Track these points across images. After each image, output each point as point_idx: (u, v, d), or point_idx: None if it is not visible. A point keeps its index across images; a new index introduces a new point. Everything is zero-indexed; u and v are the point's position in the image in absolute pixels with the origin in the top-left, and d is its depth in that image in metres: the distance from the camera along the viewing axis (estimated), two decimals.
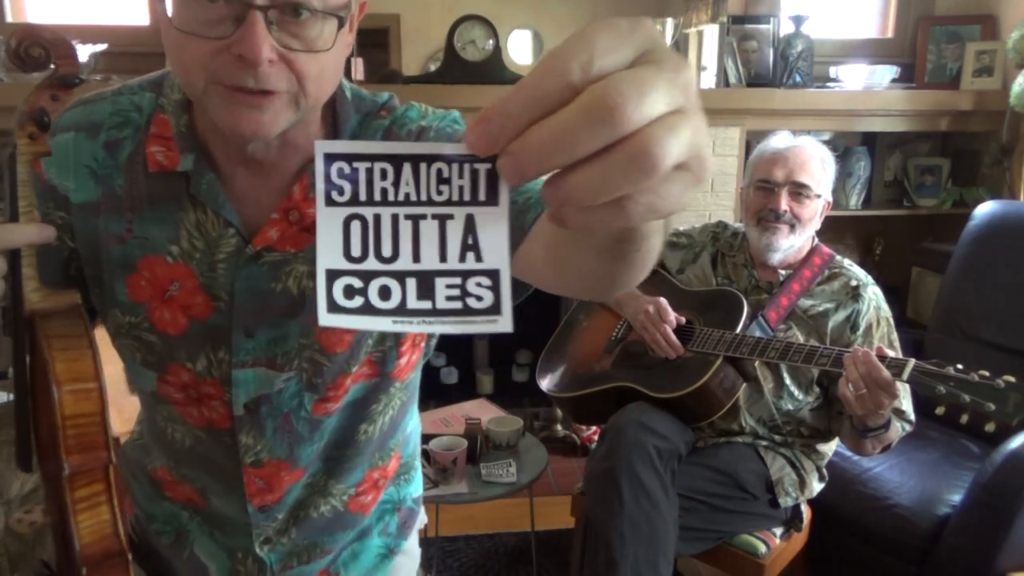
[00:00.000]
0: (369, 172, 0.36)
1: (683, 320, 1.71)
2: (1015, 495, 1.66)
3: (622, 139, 0.32)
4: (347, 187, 0.36)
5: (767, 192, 1.72)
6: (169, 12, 0.67)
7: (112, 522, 0.76)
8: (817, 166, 1.71)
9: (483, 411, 2.19)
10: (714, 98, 2.88)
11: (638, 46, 0.33)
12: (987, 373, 1.28)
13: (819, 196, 1.71)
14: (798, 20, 3.10)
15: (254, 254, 0.81)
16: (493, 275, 0.37)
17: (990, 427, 1.26)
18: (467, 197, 0.36)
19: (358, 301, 0.37)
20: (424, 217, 0.37)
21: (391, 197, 0.37)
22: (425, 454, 1.85)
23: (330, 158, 0.36)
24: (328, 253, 0.37)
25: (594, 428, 2.95)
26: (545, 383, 1.91)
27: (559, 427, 3.09)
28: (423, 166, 0.36)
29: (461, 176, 0.36)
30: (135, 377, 0.89)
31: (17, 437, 0.75)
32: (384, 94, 0.86)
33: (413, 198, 0.37)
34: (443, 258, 0.37)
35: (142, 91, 0.82)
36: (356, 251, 0.37)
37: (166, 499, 0.97)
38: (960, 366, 1.30)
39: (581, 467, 2.26)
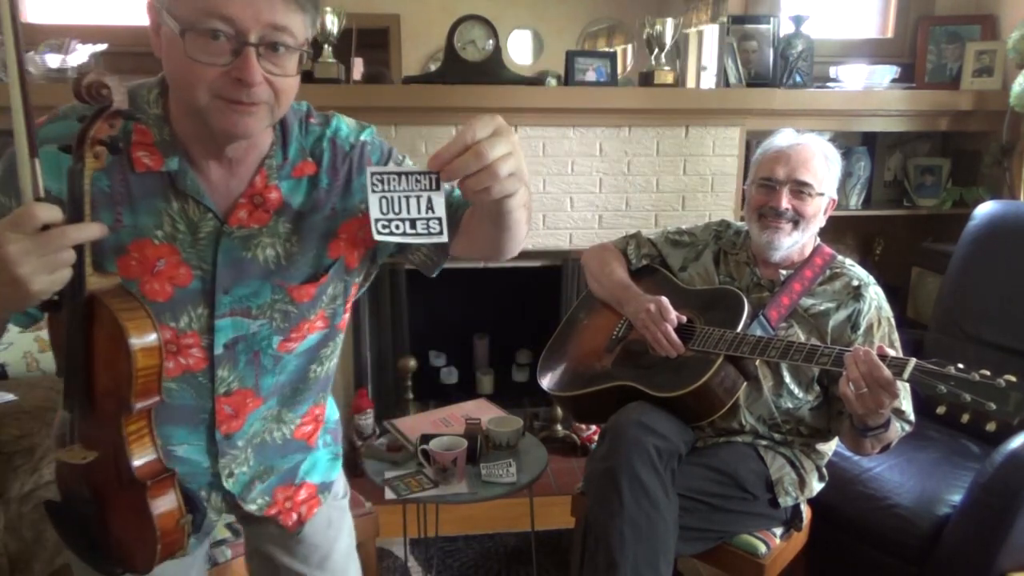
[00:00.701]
0: (388, 178, 0.86)
1: (684, 319, 1.71)
2: (1015, 495, 1.66)
3: (487, 164, 0.81)
4: (379, 184, 0.86)
5: (769, 190, 1.72)
6: (176, 42, 0.90)
7: (154, 448, 0.99)
8: (820, 164, 1.70)
9: (483, 411, 2.19)
10: (714, 98, 2.88)
11: (494, 127, 0.82)
12: (988, 372, 1.28)
13: (822, 194, 1.71)
14: (798, 20, 3.10)
15: (229, 231, 1.04)
16: (439, 219, 0.87)
17: (991, 426, 1.26)
18: (428, 187, 0.86)
19: (384, 229, 0.86)
20: (411, 197, 0.86)
21: (397, 187, 0.86)
22: (425, 454, 1.85)
23: (374, 173, 0.86)
24: (374, 210, 0.86)
25: (594, 428, 2.95)
26: (545, 382, 1.91)
27: (559, 427, 3.09)
28: (410, 176, 0.86)
29: (425, 178, 0.86)
30: None
31: (74, 390, 0.95)
32: (302, 103, 1.12)
33: (406, 188, 0.86)
34: (418, 212, 0.87)
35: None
36: (384, 210, 0.86)
37: None
38: (961, 365, 1.30)
39: (581, 467, 2.26)
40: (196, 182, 1.01)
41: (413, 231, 0.86)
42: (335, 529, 1.31)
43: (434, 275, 1.23)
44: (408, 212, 0.86)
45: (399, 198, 0.86)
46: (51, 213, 0.83)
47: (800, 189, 1.69)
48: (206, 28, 0.89)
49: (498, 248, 1.04)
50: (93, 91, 0.86)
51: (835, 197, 1.77)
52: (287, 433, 1.21)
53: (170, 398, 1.05)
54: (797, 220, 1.70)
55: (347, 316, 1.22)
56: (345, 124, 1.14)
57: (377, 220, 0.85)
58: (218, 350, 1.07)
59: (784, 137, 1.75)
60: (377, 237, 0.85)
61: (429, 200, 0.86)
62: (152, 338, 0.92)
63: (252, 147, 1.04)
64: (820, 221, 1.74)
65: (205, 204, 1.02)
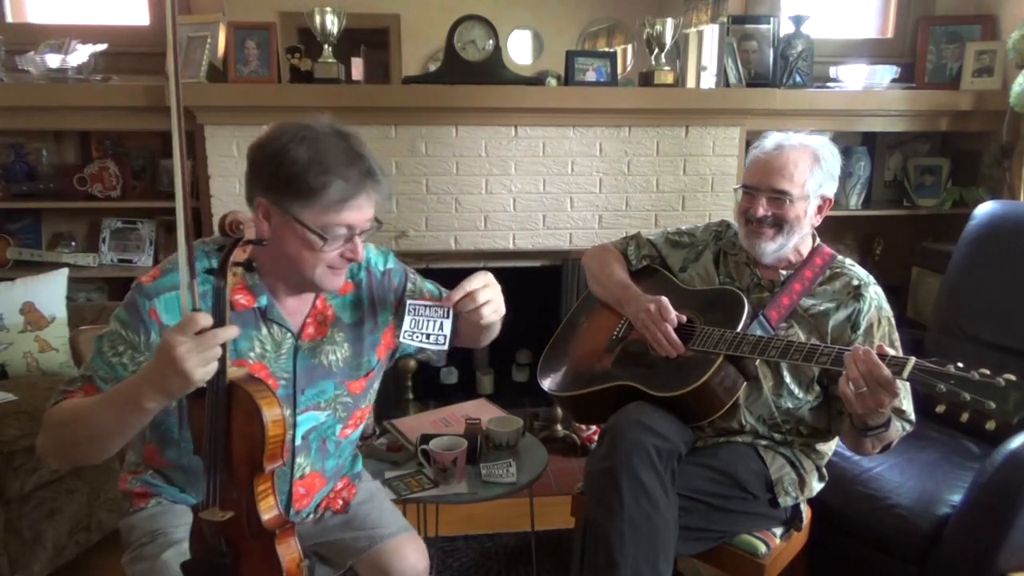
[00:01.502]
0: (419, 307, 1.33)
1: (684, 319, 1.71)
2: (1015, 495, 1.65)
3: (479, 304, 1.31)
4: (413, 311, 1.33)
5: (750, 196, 1.73)
6: (306, 237, 1.27)
7: (277, 504, 1.20)
8: (803, 168, 1.68)
9: (483, 411, 2.19)
10: (714, 98, 2.88)
11: (484, 282, 1.33)
12: (987, 371, 1.27)
13: (806, 198, 1.69)
14: (798, 20, 3.10)
15: (302, 345, 1.39)
16: (445, 336, 1.33)
17: (990, 425, 1.25)
18: (443, 316, 1.33)
19: (408, 337, 1.33)
20: (431, 320, 1.33)
21: (424, 313, 1.33)
22: (425, 454, 1.85)
23: (411, 304, 1.33)
24: (406, 325, 1.32)
25: (594, 428, 2.95)
26: (546, 382, 1.91)
27: (559, 427, 3.09)
28: (433, 307, 1.34)
29: (442, 310, 1.33)
30: None
31: (215, 460, 1.16)
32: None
33: (429, 314, 1.33)
34: (432, 329, 1.33)
35: (210, 257, 1.27)
36: (411, 327, 1.32)
37: None
38: (960, 364, 1.30)
39: (581, 467, 2.25)
40: (280, 313, 1.36)
41: (428, 341, 1.32)
42: (377, 498, 1.61)
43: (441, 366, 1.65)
44: (426, 328, 1.32)
45: (423, 320, 1.32)
46: (207, 319, 1.07)
47: (777, 196, 1.69)
48: (337, 233, 1.27)
49: (479, 342, 1.55)
50: (233, 227, 1.15)
51: (830, 196, 1.74)
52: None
53: None
54: (780, 224, 1.70)
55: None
56: (372, 253, 1.51)
57: (405, 331, 1.32)
58: (298, 441, 1.39)
59: (769, 141, 1.75)
60: (402, 341, 1.36)
61: (441, 324, 1.32)
62: (278, 412, 1.15)
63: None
64: (809, 223, 1.73)
65: (286, 327, 1.36)
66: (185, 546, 1.26)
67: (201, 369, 1.05)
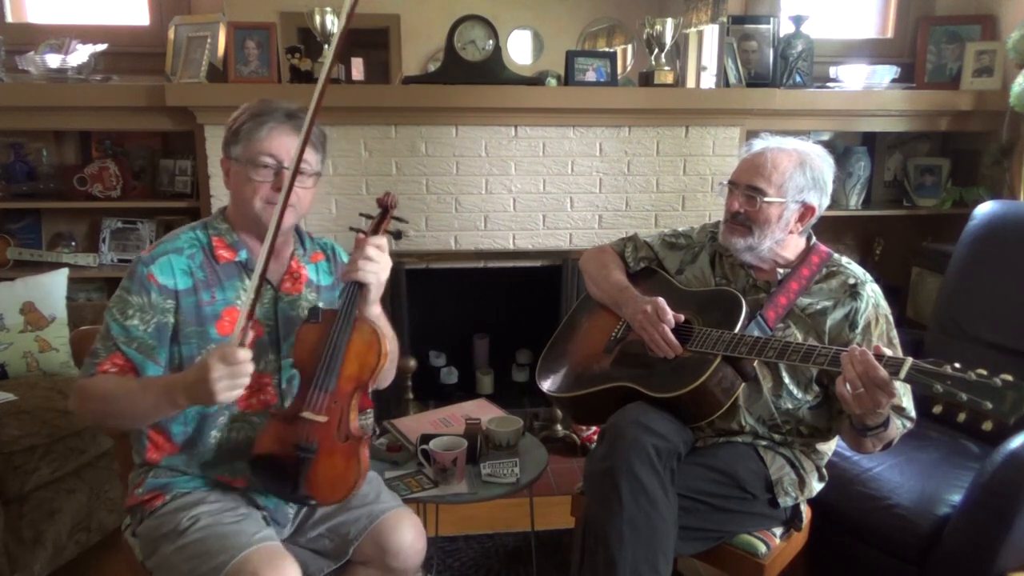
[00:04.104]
0: None
1: (682, 319, 1.71)
2: (1015, 495, 1.65)
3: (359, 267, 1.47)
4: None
5: (730, 193, 1.76)
6: (242, 171, 1.49)
7: (358, 417, 1.49)
8: (782, 170, 1.68)
9: (483, 411, 2.19)
10: (714, 98, 2.88)
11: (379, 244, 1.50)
12: (984, 372, 1.27)
13: (782, 201, 1.68)
14: (798, 20, 3.10)
15: (282, 296, 1.55)
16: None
17: (987, 426, 1.25)
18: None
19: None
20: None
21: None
22: (425, 454, 1.85)
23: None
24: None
25: (594, 428, 2.95)
26: (545, 383, 1.91)
27: (559, 427, 3.09)
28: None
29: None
30: None
31: (327, 374, 1.44)
32: None
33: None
34: None
35: (194, 231, 1.54)
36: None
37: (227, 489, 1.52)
38: (958, 364, 1.30)
39: (581, 467, 2.25)
40: (255, 264, 1.41)
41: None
42: (375, 482, 1.65)
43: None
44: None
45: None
46: (246, 356, 1.27)
47: (751, 194, 1.70)
48: (260, 161, 1.47)
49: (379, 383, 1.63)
50: (391, 203, 1.54)
51: (813, 205, 1.72)
52: None
53: (252, 431, 1.49)
54: (750, 225, 1.70)
55: None
56: (340, 248, 1.72)
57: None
58: (284, 384, 1.54)
59: (758, 143, 1.77)
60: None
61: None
62: (388, 348, 1.48)
63: (286, 243, 1.58)
64: (786, 228, 1.71)
65: (267, 278, 1.47)
66: (227, 518, 1.42)
67: (226, 393, 1.27)
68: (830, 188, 1.75)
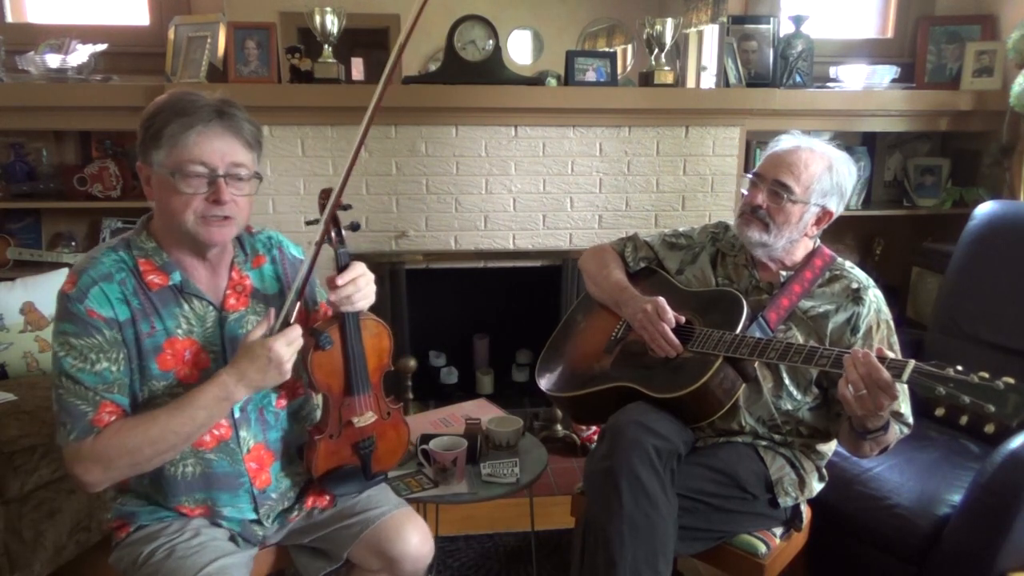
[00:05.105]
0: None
1: (682, 319, 1.71)
2: (1015, 495, 1.66)
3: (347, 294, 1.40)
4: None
5: (754, 185, 1.72)
6: (168, 183, 1.30)
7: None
8: (813, 171, 1.68)
9: (483, 411, 2.19)
10: (714, 98, 2.88)
11: (356, 274, 1.41)
12: (987, 375, 1.27)
13: (806, 202, 1.68)
14: (798, 20, 3.10)
15: (226, 315, 1.42)
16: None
17: (989, 428, 1.25)
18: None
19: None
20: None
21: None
22: (425, 454, 1.85)
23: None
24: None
25: (594, 428, 2.95)
26: (544, 383, 1.91)
27: (559, 427, 3.09)
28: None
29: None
30: None
31: (361, 378, 1.50)
32: None
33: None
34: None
35: (116, 251, 1.36)
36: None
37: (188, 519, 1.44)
38: (960, 367, 1.30)
39: (581, 467, 2.26)
40: (193, 285, 1.39)
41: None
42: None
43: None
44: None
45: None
46: (298, 332, 1.34)
47: (777, 190, 1.68)
48: (190, 170, 1.29)
49: None
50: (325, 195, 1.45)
51: (832, 210, 1.72)
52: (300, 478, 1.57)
53: (212, 468, 1.42)
54: (768, 222, 1.69)
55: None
56: (288, 242, 1.58)
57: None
58: (237, 413, 1.42)
59: (787, 140, 1.74)
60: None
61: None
62: (388, 329, 1.56)
63: (224, 252, 1.44)
64: (803, 230, 1.71)
65: (207, 299, 1.40)
66: (180, 552, 1.35)
67: (278, 372, 1.32)
68: (848, 195, 1.75)
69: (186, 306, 1.38)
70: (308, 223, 1.45)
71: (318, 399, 1.61)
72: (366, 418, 1.51)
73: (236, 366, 1.31)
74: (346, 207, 1.43)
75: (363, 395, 1.50)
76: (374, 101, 1.34)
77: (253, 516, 1.48)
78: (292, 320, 1.36)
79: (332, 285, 1.38)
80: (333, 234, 1.43)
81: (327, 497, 1.57)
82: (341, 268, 1.41)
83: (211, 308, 1.41)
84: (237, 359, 1.33)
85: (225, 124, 1.31)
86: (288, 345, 1.32)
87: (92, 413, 1.28)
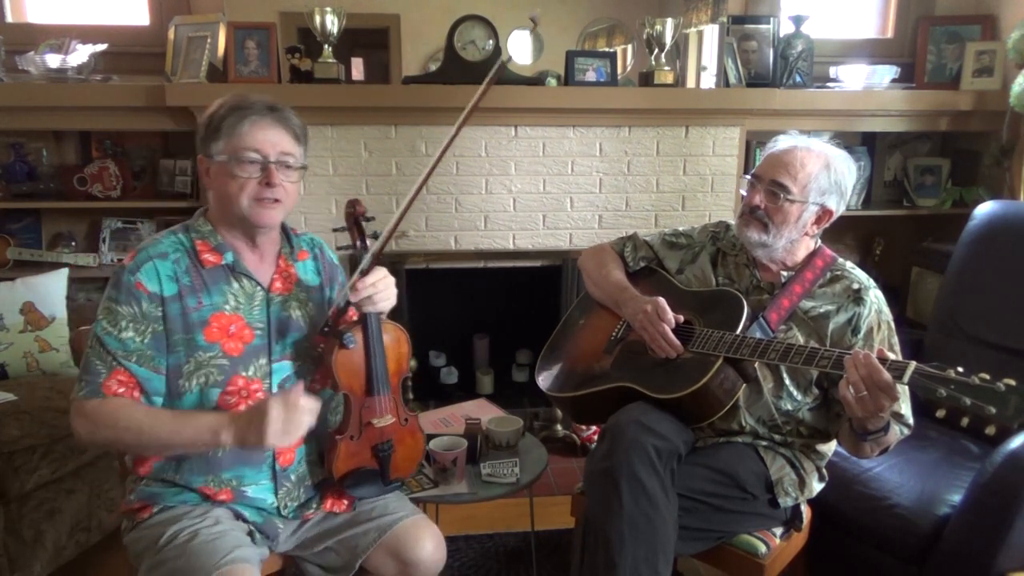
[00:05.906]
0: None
1: (682, 319, 1.71)
2: (1015, 495, 1.66)
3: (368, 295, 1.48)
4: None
5: (752, 187, 1.73)
6: (224, 169, 1.44)
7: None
8: (809, 170, 1.67)
9: (483, 411, 2.19)
10: (714, 98, 2.88)
11: (377, 276, 1.50)
12: (988, 376, 1.27)
13: (803, 201, 1.68)
14: (798, 20, 3.10)
15: (272, 297, 1.53)
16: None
17: (990, 430, 1.25)
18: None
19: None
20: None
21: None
22: (425, 454, 1.85)
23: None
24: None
25: (594, 428, 2.95)
26: (544, 383, 1.91)
27: (559, 427, 3.10)
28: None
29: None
30: (198, 404, 1.45)
31: (382, 381, 1.55)
32: None
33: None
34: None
35: (177, 234, 1.51)
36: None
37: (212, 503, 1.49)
38: (961, 369, 1.30)
39: (581, 467, 2.26)
40: (245, 266, 1.51)
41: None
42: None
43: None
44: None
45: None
46: (312, 406, 1.35)
47: (774, 190, 1.68)
48: (245, 157, 1.43)
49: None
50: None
51: (831, 208, 1.72)
52: (320, 473, 1.61)
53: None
54: (766, 222, 1.69)
55: None
56: (326, 245, 1.71)
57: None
58: (275, 389, 1.50)
59: (784, 140, 1.74)
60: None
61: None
62: (406, 334, 1.63)
63: (271, 242, 1.56)
64: (802, 229, 1.71)
65: (255, 280, 1.52)
66: (203, 536, 1.38)
67: (279, 437, 1.32)
68: (849, 194, 1.75)
69: (236, 284, 1.50)
70: (335, 230, 1.62)
71: (338, 402, 1.63)
72: (385, 420, 1.56)
73: (239, 415, 1.37)
74: (370, 218, 1.56)
75: (383, 396, 1.55)
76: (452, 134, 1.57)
77: (272, 499, 1.52)
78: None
79: (355, 288, 1.46)
80: (358, 242, 1.55)
81: (345, 501, 1.59)
82: (364, 272, 1.49)
83: (259, 288, 1.52)
84: (247, 409, 1.40)
85: (276, 117, 1.46)
86: (287, 419, 1.33)
87: (105, 376, 1.38)
